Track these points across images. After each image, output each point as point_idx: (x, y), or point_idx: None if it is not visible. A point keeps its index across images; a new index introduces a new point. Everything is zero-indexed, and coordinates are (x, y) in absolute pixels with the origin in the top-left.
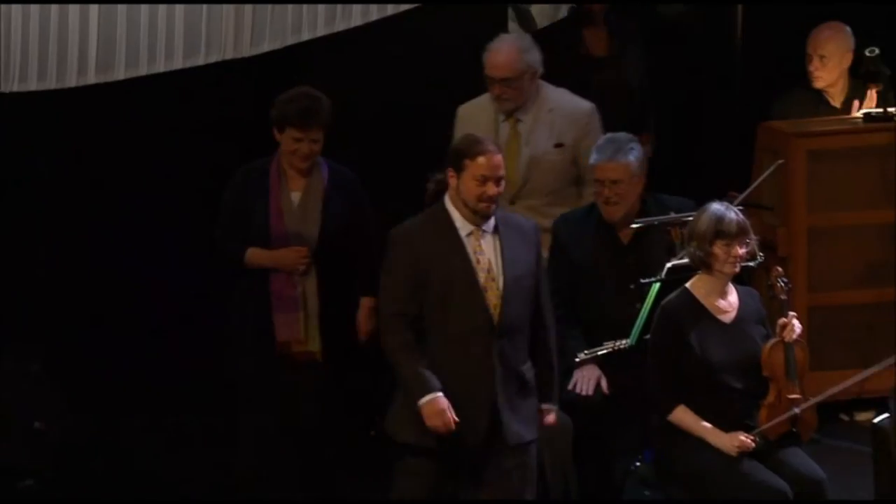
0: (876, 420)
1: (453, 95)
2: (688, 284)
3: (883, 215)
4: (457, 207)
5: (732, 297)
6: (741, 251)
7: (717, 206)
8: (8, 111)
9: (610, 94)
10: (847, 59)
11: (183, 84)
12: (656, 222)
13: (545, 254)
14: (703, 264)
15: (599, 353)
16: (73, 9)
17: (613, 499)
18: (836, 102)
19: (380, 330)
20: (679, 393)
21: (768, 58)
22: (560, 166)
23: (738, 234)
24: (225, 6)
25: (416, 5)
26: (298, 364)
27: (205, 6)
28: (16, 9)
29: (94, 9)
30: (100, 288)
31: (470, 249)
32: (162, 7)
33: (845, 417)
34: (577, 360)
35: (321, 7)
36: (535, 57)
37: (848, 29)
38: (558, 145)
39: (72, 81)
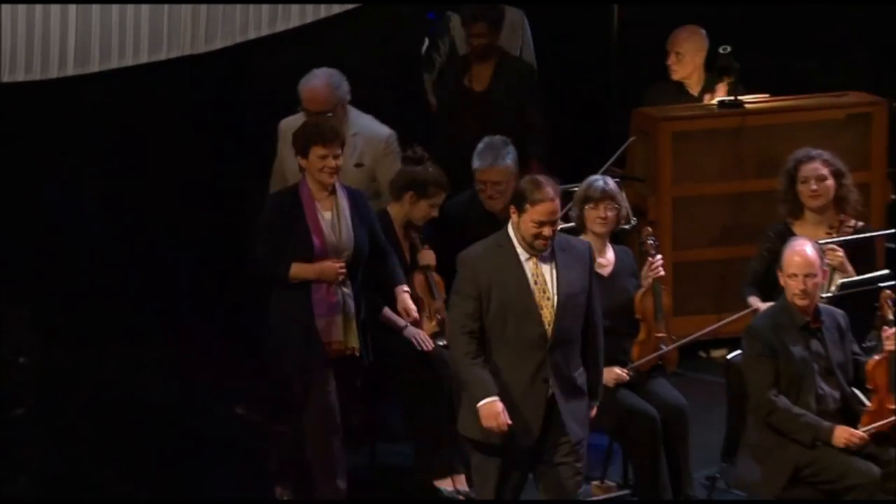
0: (729, 357)
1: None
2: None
3: (734, 186)
4: (517, 237)
5: (610, 254)
6: (607, 214)
7: (591, 177)
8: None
9: (478, 126)
10: (701, 56)
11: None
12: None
13: None
14: (581, 226)
15: None
16: (55, 9)
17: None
18: (695, 92)
19: (448, 340)
20: None
21: (640, 53)
22: (361, 184)
23: (602, 199)
24: (183, 7)
25: (355, 5)
26: (339, 359)
27: (166, 7)
28: (6, 8)
29: (72, 9)
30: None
31: (528, 272)
32: (130, 7)
33: (703, 354)
34: None
35: (265, 8)
36: (344, 90)
37: (702, 30)
38: (358, 165)
39: (53, 73)
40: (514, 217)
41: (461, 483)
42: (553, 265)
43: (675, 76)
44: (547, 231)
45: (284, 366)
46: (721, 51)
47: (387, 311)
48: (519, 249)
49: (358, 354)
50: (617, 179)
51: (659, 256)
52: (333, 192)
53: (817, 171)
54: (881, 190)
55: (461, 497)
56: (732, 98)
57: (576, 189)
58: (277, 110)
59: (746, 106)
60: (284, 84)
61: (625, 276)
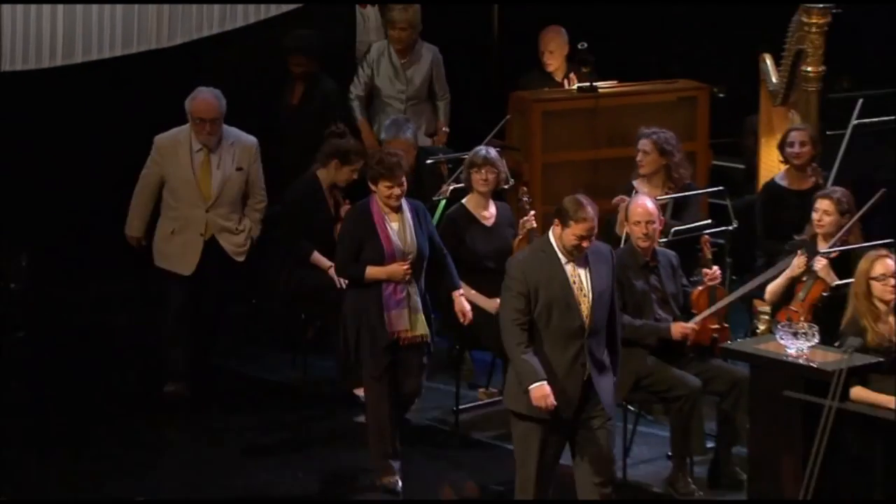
0: None
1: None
2: (463, 201)
3: (590, 154)
4: (558, 245)
5: (492, 209)
6: (489, 176)
7: (477, 147)
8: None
9: (293, 136)
10: (565, 50)
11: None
12: (430, 160)
13: None
14: (469, 186)
15: None
16: (47, 7)
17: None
18: (559, 79)
19: (501, 331)
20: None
21: (516, 46)
22: (239, 184)
23: (485, 164)
24: (150, 7)
25: (297, 5)
26: (406, 346)
27: (136, 6)
28: (6, 6)
29: (59, 8)
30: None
31: (569, 274)
32: (107, 7)
33: None
34: None
35: (216, 8)
36: (224, 104)
37: (564, 30)
38: (239, 169)
39: (45, 63)
40: (557, 228)
41: None
42: (587, 267)
43: (548, 68)
44: (585, 244)
45: (357, 350)
46: (580, 46)
47: (316, 254)
48: (559, 254)
49: (427, 340)
50: (497, 149)
51: (532, 211)
52: (400, 206)
53: (643, 147)
54: (704, 157)
55: None
56: (589, 84)
57: (465, 157)
58: None
59: (600, 90)
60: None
61: (504, 226)
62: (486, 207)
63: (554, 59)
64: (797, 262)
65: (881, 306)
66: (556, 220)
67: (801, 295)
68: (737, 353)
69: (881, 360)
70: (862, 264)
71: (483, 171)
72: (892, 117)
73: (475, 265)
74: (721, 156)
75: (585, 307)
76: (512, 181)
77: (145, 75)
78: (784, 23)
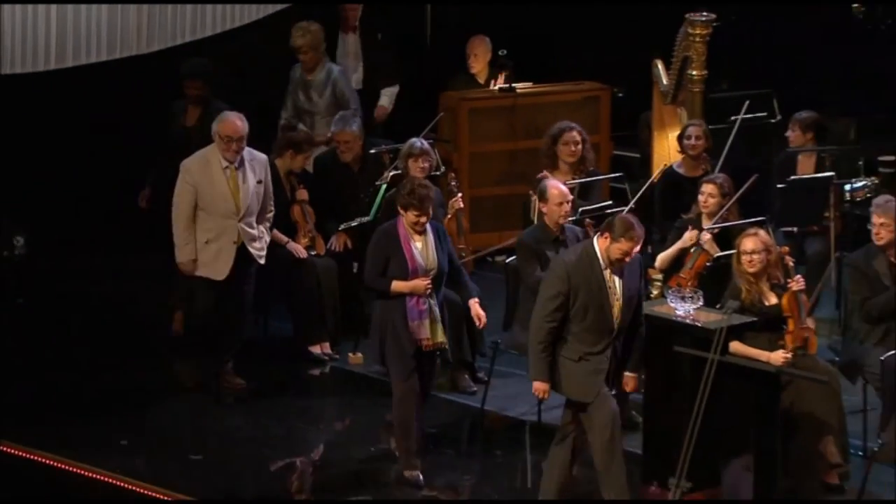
0: (507, 261)
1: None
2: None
3: (509, 145)
4: (602, 254)
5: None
6: (423, 164)
7: (412, 139)
8: None
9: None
10: (488, 56)
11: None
12: (373, 150)
13: None
14: (406, 173)
15: (353, 224)
16: (42, 14)
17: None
18: (482, 81)
19: (531, 328)
20: None
21: (445, 53)
22: (259, 195)
23: (420, 154)
24: (132, 13)
25: (277, 6)
26: (426, 352)
27: (119, 13)
28: (6, 9)
29: (53, 17)
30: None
31: (606, 280)
32: (94, 13)
33: (490, 259)
34: (340, 228)
35: (188, 18)
36: (247, 124)
37: (487, 39)
38: (259, 182)
39: (39, 66)
40: (604, 240)
41: (326, 348)
42: (621, 275)
43: (473, 70)
44: (627, 259)
45: (384, 356)
46: (500, 53)
47: (275, 232)
48: (601, 262)
49: (446, 347)
50: (430, 140)
51: (460, 194)
52: (424, 229)
53: (574, 138)
54: (606, 148)
55: (327, 357)
56: (508, 85)
57: (401, 147)
58: None
59: (518, 91)
60: None
61: (436, 206)
62: None
63: (478, 64)
64: (687, 236)
65: (752, 276)
66: (606, 234)
67: (688, 264)
68: None
69: (755, 319)
70: (737, 241)
71: (419, 159)
72: (764, 114)
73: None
74: (620, 146)
75: (616, 310)
76: (443, 168)
77: (123, 78)
78: (673, 33)
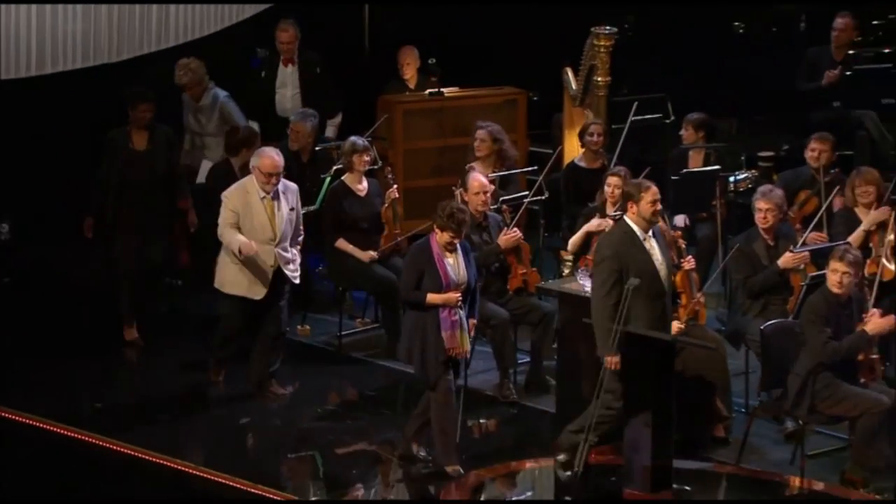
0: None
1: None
2: (343, 178)
3: (438, 142)
4: (635, 223)
5: (365, 183)
6: (363, 159)
7: (353, 137)
8: None
9: (144, 179)
10: (417, 64)
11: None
12: (319, 147)
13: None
14: (349, 167)
15: (303, 211)
16: (24, 24)
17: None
18: (412, 86)
19: (595, 310)
20: (339, 233)
21: (380, 62)
22: (292, 221)
23: (362, 150)
24: (103, 25)
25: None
26: (454, 358)
27: (93, 23)
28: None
29: (33, 28)
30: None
31: (647, 247)
32: (70, 21)
33: None
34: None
35: (153, 29)
36: (283, 158)
37: (416, 49)
38: (291, 209)
39: (22, 73)
40: (633, 208)
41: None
42: (655, 241)
43: (405, 77)
44: (659, 206)
45: (418, 364)
46: (430, 61)
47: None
48: (638, 231)
49: (469, 355)
50: (370, 138)
51: (395, 185)
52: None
53: (480, 136)
54: (523, 144)
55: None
56: (437, 90)
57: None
58: None
59: (445, 95)
60: None
61: (374, 196)
62: (360, 182)
63: (409, 71)
64: (594, 223)
65: None
66: (629, 203)
67: (595, 246)
68: (547, 290)
69: None
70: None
71: (362, 155)
72: (660, 115)
73: (352, 226)
74: (535, 143)
75: (663, 274)
76: (381, 162)
77: (93, 84)
78: (580, 44)
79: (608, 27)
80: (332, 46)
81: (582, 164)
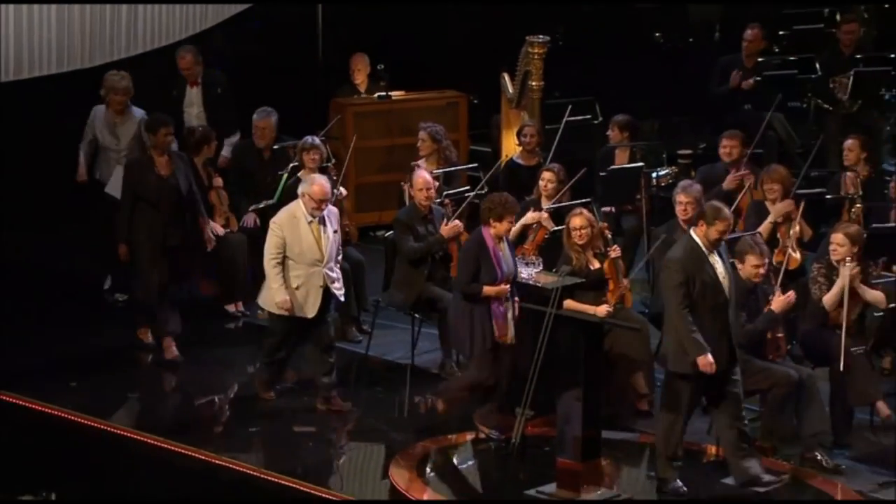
0: (386, 235)
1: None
2: (299, 174)
3: (387, 141)
4: (702, 242)
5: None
6: (315, 157)
7: (308, 137)
8: None
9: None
10: (367, 70)
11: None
12: (276, 146)
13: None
14: (302, 165)
15: (260, 206)
16: (2, 29)
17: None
18: (362, 90)
19: (673, 320)
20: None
21: (333, 68)
22: (337, 243)
23: (311, 148)
24: (76, 32)
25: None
26: (504, 346)
27: (66, 29)
28: None
29: (11, 30)
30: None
31: (711, 261)
32: (45, 29)
33: (372, 234)
34: (250, 209)
35: (123, 37)
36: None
37: (367, 56)
38: (335, 231)
39: (2, 78)
40: (701, 228)
41: (240, 307)
42: (721, 258)
43: (356, 82)
44: (725, 236)
45: (468, 352)
46: (378, 67)
47: (201, 219)
48: (703, 249)
49: (514, 343)
50: (323, 138)
51: (341, 187)
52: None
53: (423, 137)
54: (464, 143)
55: (240, 314)
56: (385, 94)
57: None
58: None
59: (393, 98)
60: None
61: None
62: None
63: (360, 76)
64: (529, 216)
65: (580, 246)
66: (701, 222)
67: (531, 237)
68: None
69: (583, 280)
70: (568, 218)
71: (311, 152)
72: (589, 116)
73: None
74: (476, 142)
75: (725, 285)
76: (333, 160)
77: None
78: (516, 52)
79: (541, 36)
80: (289, 53)
81: (520, 161)
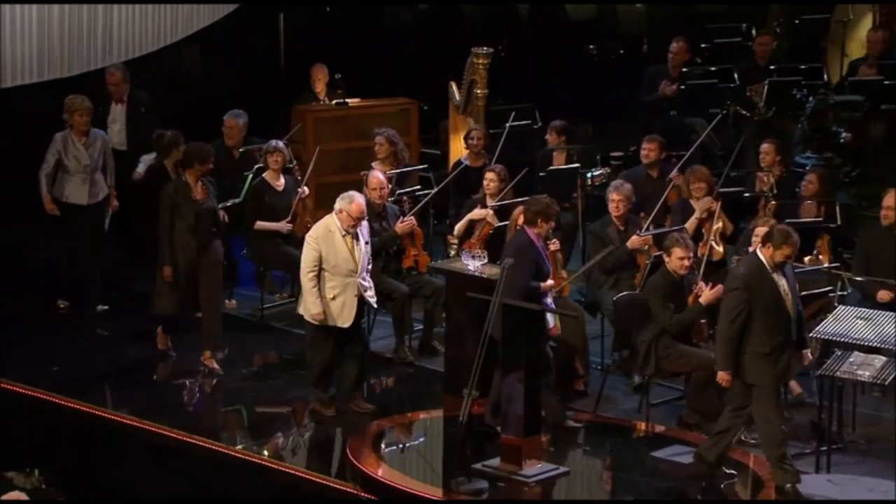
0: None
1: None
2: (263, 175)
3: (343, 144)
4: (767, 262)
5: (282, 180)
6: (279, 158)
7: (272, 140)
8: None
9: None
10: (326, 79)
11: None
12: (242, 149)
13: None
14: (266, 167)
15: (227, 204)
16: None
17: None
18: (322, 97)
19: (721, 330)
20: (258, 221)
21: (295, 77)
22: (368, 254)
23: (274, 151)
24: (57, 38)
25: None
26: (552, 338)
27: (46, 39)
28: None
29: None
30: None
31: (775, 278)
32: (26, 38)
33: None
34: (218, 206)
35: (99, 46)
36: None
37: (325, 66)
38: (367, 243)
39: None
40: (768, 249)
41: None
42: (786, 277)
43: (315, 90)
44: (789, 260)
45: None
46: (336, 76)
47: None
48: (768, 267)
49: (560, 334)
50: (285, 141)
51: (305, 186)
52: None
53: (378, 140)
54: (415, 147)
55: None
56: (342, 101)
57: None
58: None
59: (349, 105)
60: None
61: (290, 192)
62: (277, 179)
63: (319, 85)
64: (475, 212)
65: None
66: (769, 244)
67: (477, 232)
68: (438, 269)
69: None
70: (512, 214)
71: (273, 154)
72: (529, 121)
73: (272, 217)
74: (426, 146)
75: (788, 302)
76: (295, 162)
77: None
78: (463, 62)
79: (486, 48)
80: (253, 64)
81: (467, 162)
